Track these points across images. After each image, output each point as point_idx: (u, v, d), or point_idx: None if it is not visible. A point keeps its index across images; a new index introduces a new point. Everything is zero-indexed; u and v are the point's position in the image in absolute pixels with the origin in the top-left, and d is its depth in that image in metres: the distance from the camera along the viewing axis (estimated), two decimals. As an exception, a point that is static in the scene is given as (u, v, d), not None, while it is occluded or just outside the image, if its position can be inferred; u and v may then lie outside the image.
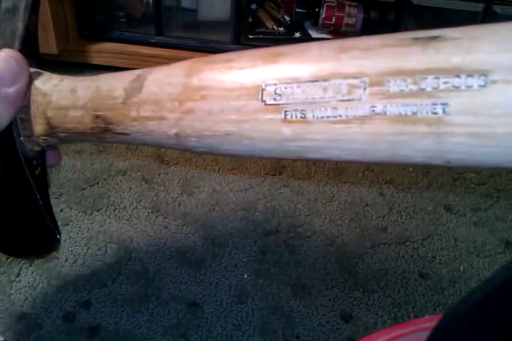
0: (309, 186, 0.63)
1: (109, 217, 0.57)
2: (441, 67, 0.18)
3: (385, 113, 0.19)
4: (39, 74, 0.32)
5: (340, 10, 0.83)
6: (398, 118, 0.18)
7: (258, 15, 0.88)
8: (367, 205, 0.61)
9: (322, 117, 0.20)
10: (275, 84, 0.21)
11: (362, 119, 0.19)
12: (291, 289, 0.50)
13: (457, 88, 0.17)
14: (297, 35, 0.86)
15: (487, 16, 0.76)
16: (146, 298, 0.49)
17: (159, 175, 0.64)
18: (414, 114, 0.18)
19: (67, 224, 0.56)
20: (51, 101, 0.30)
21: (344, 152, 0.21)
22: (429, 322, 0.40)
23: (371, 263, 0.54)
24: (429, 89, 0.18)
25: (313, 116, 0.20)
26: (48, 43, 0.76)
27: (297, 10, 0.86)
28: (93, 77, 0.30)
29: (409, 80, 0.18)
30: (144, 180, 0.63)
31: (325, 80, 0.20)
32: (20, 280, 0.50)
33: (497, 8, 0.75)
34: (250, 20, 0.87)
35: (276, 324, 0.47)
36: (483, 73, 0.17)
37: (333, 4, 0.83)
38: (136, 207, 0.59)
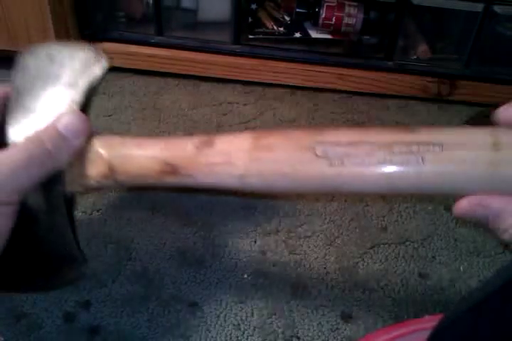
0: (309, 186, 0.63)
1: (109, 217, 0.57)
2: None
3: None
4: (98, 133, 0.36)
5: (340, 10, 0.83)
6: None
7: (258, 15, 0.88)
8: (367, 205, 0.61)
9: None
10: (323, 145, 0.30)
11: None
12: (291, 289, 0.50)
13: None
14: (297, 35, 0.86)
15: (487, 16, 0.76)
16: (146, 298, 0.49)
17: (159, 175, 0.63)
18: None
19: (67, 224, 0.56)
20: (115, 150, 0.34)
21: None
22: (429, 322, 0.40)
23: (371, 263, 0.54)
24: None
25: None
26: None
27: (297, 10, 0.86)
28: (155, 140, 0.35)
29: None
30: (144, 180, 0.63)
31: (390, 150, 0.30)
32: (20, 280, 0.50)
33: (497, 9, 0.75)
34: (250, 20, 0.87)
35: (276, 324, 0.47)
36: None
37: (333, 4, 0.83)
38: (136, 207, 0.59)
